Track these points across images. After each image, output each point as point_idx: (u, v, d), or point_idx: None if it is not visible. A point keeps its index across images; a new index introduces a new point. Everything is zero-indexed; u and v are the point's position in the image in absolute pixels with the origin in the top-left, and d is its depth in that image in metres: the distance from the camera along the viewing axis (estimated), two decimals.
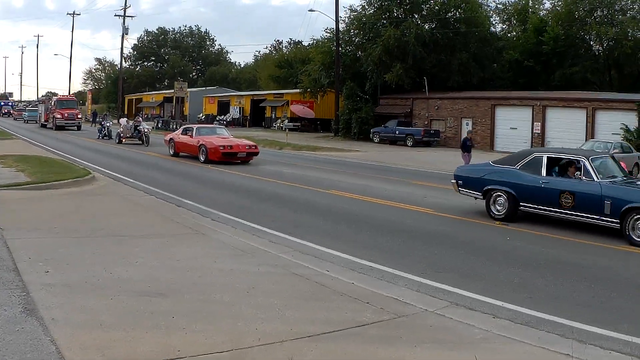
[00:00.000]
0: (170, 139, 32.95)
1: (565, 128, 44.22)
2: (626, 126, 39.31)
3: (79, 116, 62.91)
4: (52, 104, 64.42)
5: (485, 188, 15.98)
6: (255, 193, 19.68)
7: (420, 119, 55.37)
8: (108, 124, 48.26)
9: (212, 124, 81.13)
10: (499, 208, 15.59)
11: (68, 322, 6.77)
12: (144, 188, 19.30)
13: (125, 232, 12.29)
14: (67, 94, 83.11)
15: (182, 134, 32.29)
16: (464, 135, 51.41)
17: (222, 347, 6.33)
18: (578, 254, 12.23)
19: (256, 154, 30.11)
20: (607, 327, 7.70)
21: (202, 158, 28.95)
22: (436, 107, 54.21)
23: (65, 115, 60.20)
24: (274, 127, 72.80)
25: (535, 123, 46.45)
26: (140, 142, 40.94)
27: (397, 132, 52.73)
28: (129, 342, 6.35)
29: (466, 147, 29.57)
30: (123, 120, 46.74)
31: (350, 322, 7.34)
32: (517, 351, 6.81)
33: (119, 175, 22.32)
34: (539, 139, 46.10)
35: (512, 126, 47.84)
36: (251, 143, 30.90)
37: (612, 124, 40.74)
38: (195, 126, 33.40)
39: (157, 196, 17.69)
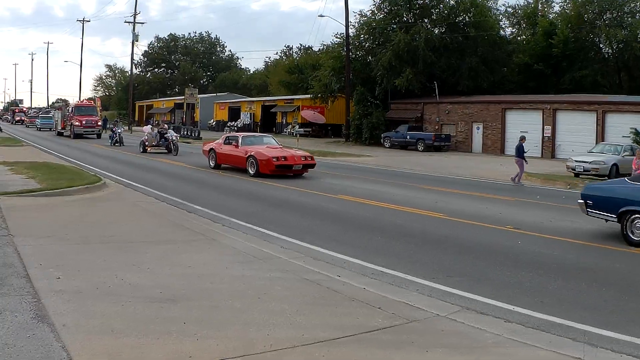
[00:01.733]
0: (211, 149, 29.90)
1: (576, 131, 44.22)
2: (636, 129, 39.08)
3: (99, 123, 59.27)
4: (70, 110, 60.28)
5: (622, 210, 13.64)
6: (265, 199, 19.68)
7: (430, 124, 55.45)
8: (119, 131, 47.82)
9: (223, 130, 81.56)
10: (638, 232, 13.26)
11: (79, 329, 6.77)
12: (154, 194, 19.34)
13: (136, 238, 12.31)
14: (79, 100, 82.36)
15: (224, 143, 29.22)
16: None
17: (234, 353, 6.31)
18: (589, 257, 12.19)
19: (312, 165, 27.14)
20: (618, 330, 7.67)
21: (251, 171, 26.06)
22: (447, 112, 54.26)
23: (84, 122, 56.64)
24: (285, 132, 73.00)
25: (545, 126, 46.39)
26: (167, 151, 38.26)
27: (408, 137, 52.86)
28: (139, 349, 6.35)
29: (522, 152, 27.40)
30: (147, 128, 43.33)
31: (361, 328, 7.31)
32: (529, 355, 6.77)
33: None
34: (549, 143, 46.02)
35: (523, 130, 47.72)
36: (306, 154, 27.86)
37: (622, 127, 40.53)
38: (240, 135, 30.22)
39: (167, 202, 17.72)
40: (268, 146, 27.60)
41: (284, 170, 25.94)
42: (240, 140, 28.25)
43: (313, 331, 7.08)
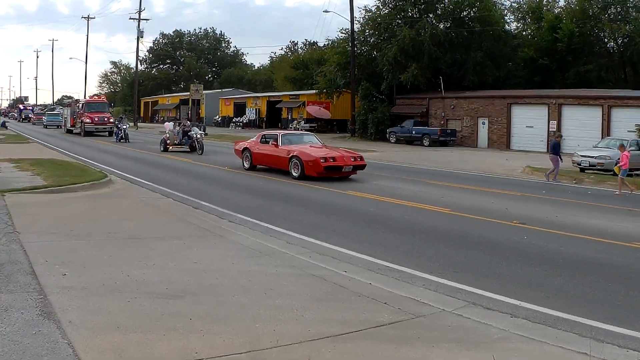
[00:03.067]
0: (245, 148, 27.43)
1: (581, 126, 44.11)
2: None
3: (111, 120, 55.61)
4: (80, 107, 58.35)
5: None
6: (272, 194, 19.67)
7: (436, 119, 55.41)
8: (124, 127, 47.58)
9: (229, 126, 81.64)
10: None
11: (85, 325, 6.77)
12: (160, 190, 19.33)
13: (142, 234, 12.31)
14: (87, 96, 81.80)
15: (261, 142, 26.70)
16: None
17: (240, 349, 6.31)
18: (595, 252, 12.13)
19: (363, 167, 24.56)
20: (624, 325, 7.65)
21: (295, 173, 23.47)
22: (452, 107, 54.16)
23: (96, 119, 54.80)
24: (291, 128, 72.94)
25: (551, 121, 46.28)
26: (189, 150, 36.30)
27: (413, 132, 52.87)
28: (146, 345, 6.35)
29: (557, 150, 27.08)
30: (169, 125, 40.69)
31: (368, 323, 7.31)
32: (535, 350, 6.75)
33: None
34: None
35: (528, 125, 47.77)
36: (356, 154, 25.10)
37: (627, 122, 40.50)
38: (279, 133, 26.89)
39: (173, 198, 17.71)
40: (311, 145, 25.21)
41: (333, 173, 23.45)
42: (280, 139, 25.51)
43: (319, 326, 7.07)
